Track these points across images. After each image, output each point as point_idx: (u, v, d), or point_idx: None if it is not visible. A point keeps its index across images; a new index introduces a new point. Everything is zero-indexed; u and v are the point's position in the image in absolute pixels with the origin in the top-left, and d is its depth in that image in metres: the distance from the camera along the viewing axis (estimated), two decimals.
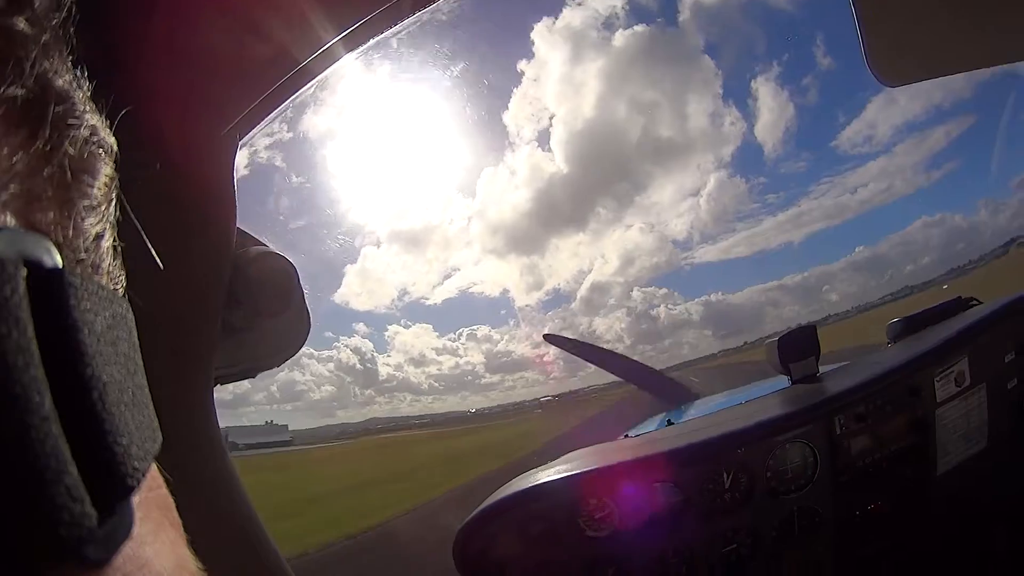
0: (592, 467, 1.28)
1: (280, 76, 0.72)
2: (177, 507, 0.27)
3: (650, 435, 1.52)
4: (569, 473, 1.27)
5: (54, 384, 0.18)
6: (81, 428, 0.19)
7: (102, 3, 0.52)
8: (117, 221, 0.26)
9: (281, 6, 0.67)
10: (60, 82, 0.23)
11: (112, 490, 0.19)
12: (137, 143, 0.29)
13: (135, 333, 0.25)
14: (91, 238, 0.24)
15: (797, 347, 1.52)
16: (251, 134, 0.80)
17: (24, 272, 0.18)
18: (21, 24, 0.21)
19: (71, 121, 0.23)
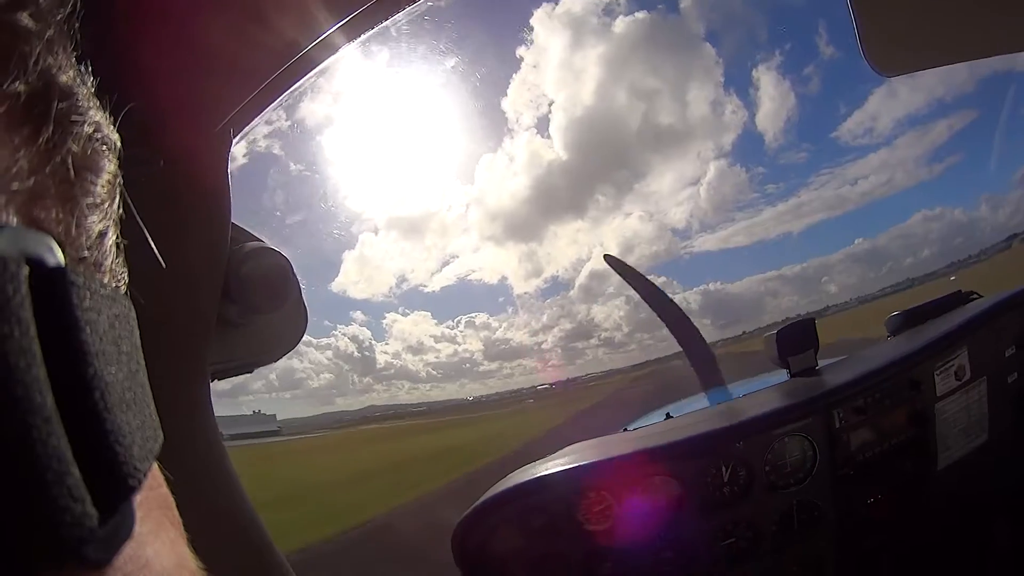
0: (591, 460, 1.28)
1: (275, 69, 0.72)
2: (176, 504, 0.27)
3: (649, 428, 1.52)
4: (568, 466, 1.27)
5: (56, 384, 0.18)
6: (83, 428, 0.19)
7: None
8: (119, 219, 0.26)
9: None
10: (64, 78, 0.23)
11: (114, 490, 0.19)
12: (138, 139, 0.28)
13: (137, 332, 0.24)
14: (94, 236, 0.24)
15: (796, 340, 1.52)
16: (247, 129, 0.79)
17: (26, 271, 0.18)
18: (25, 19, 0.20)
19: (75, 118, 0.23)
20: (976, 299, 1.60)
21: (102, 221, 0.24)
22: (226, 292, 0.82)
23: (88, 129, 0.23)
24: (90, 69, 0.25)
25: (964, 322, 1.42)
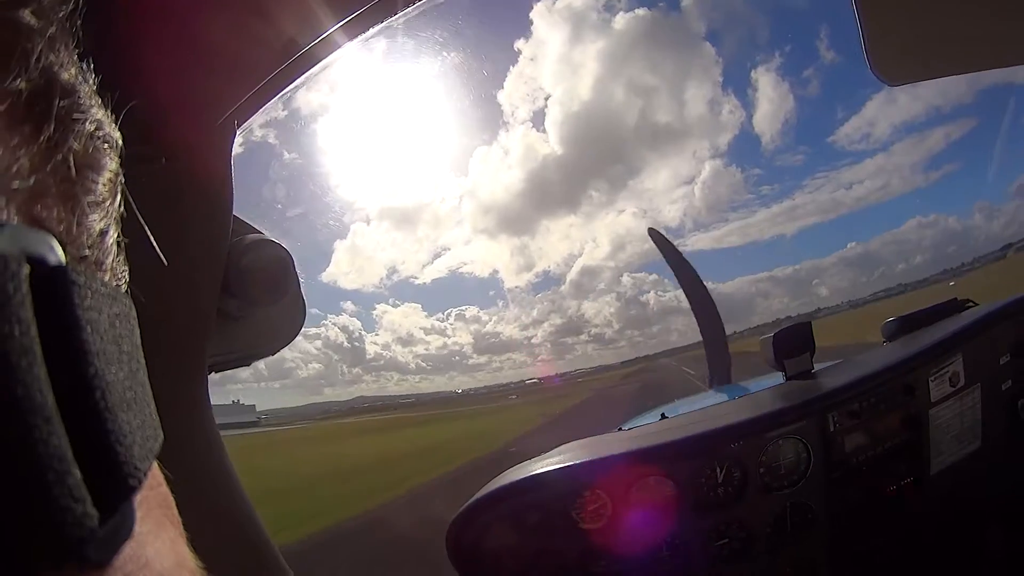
0: (586, 459, 1.29)
1: (277, 64, 0.72)
2: (175, 503, 0.27)
3: (644, 428, 1.53)
4: (563, 464, 1.28)
5: (56, 384, 0.18)
6: (83, 428, 0.18)
7: None
8: (121, 216, 0.26)
9: None
10: (66, 76, 0.22)
11: (114, 490, 0.19)
12: (140, 137, 0.28)
13: (137, 330, 0.24)
14: (95, 234, 0.24)
15: (792, 343, 1.52)
16: (248, 122, 0.79)
17: (27, 269, 0.18)
18: (27, 16, 0.20)
19: (76, 115, 0.23)
20: (972, 307, 1.60)
21: (103, 219, 0.24)
22: (225, 286, 0.82)
23: (90, 127, 0.23)
24: (92, 66, 0.25)
25: (959, 329, 1.43)
